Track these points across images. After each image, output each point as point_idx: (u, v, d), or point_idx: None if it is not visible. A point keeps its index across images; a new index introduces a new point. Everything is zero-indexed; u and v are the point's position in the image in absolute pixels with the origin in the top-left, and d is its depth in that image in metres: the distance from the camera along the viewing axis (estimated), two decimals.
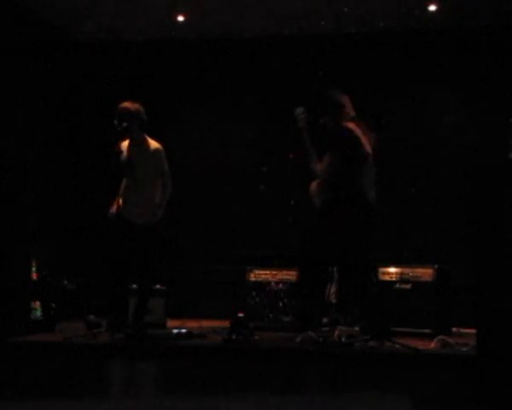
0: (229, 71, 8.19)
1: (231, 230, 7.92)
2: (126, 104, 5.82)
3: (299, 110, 5.92)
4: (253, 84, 8.10)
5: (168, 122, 8.19)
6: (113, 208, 5.92)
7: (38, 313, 6.28)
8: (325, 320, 6.57)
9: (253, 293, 6.63)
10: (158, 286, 6.61)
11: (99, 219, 6.31)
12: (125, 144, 5.91)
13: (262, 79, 8.04)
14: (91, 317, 6.23)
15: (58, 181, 7.80)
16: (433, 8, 7.35)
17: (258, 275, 6.68)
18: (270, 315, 6.54)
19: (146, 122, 5.89)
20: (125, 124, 5.73)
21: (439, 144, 7.77)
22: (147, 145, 5.90)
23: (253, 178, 7.97)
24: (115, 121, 5.77)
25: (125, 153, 5.87)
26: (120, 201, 5.85)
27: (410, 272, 6.32)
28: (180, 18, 7.73)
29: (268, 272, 6.67)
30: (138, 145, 5.88)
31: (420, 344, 5.42)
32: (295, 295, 6.47)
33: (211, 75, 8.23)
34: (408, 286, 6.28)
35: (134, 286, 6.14)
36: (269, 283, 6.63)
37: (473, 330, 5.16)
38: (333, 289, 6.74)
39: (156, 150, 5.90)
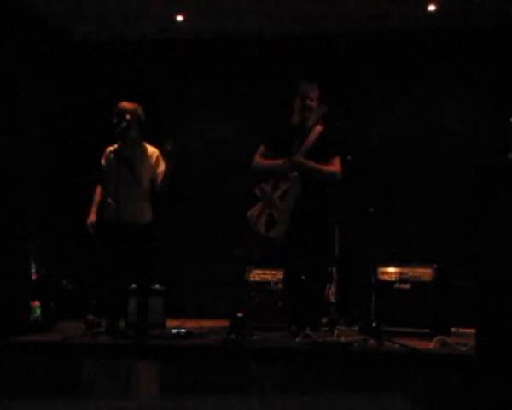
0: (229, 71, 8.19)
1: (231, 230, 7.91)
2: (126, 104, 5.83)
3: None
4: (253, 84, 8.10)
5: (168, 122, 8.18)
6: (92, 217, 5.94)
7: (38, 313, 6.28)
8: (325, 320, 6.57)
9: (253, 293, 6.62)
10: (157, 286, 6.60)
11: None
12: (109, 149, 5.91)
13: (262, 78, 8.04)
14: (91, 317, 6.22)
15: (58, 181, 7.80)
16: (432, 8, 7.35)
17: (258, 275, 6.67)
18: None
19: (144, 122, 5.89)
20: (124, 124, 5.74)
21: (439, 144, 7.77)
22: (143, 147, 5.91)
23: (253, 177, 7.94)
24: (114, 120, 5.78)
25: (104, 160, 5.90)
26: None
27: (409, 271, 6.31)
28: (180, 18, 7.73)
29: (268, 272, 6.66)
30: (136, 146, 5.88)
31: (419, 344, 5.42)
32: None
33: (211, 75, 8.23)
34: (407, 286, 6.27)
35: (134, 286, 6.13)
36: (269, 283, 6.63)
37: (472, 330, 5.16)
38: (333, 289, 6.75)
39: (153, 153, 5.90)
